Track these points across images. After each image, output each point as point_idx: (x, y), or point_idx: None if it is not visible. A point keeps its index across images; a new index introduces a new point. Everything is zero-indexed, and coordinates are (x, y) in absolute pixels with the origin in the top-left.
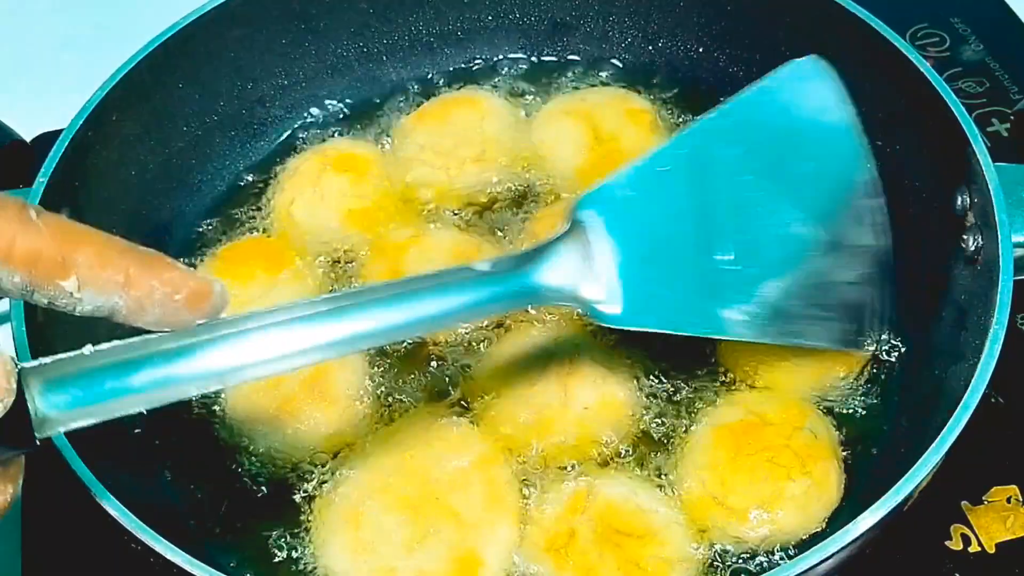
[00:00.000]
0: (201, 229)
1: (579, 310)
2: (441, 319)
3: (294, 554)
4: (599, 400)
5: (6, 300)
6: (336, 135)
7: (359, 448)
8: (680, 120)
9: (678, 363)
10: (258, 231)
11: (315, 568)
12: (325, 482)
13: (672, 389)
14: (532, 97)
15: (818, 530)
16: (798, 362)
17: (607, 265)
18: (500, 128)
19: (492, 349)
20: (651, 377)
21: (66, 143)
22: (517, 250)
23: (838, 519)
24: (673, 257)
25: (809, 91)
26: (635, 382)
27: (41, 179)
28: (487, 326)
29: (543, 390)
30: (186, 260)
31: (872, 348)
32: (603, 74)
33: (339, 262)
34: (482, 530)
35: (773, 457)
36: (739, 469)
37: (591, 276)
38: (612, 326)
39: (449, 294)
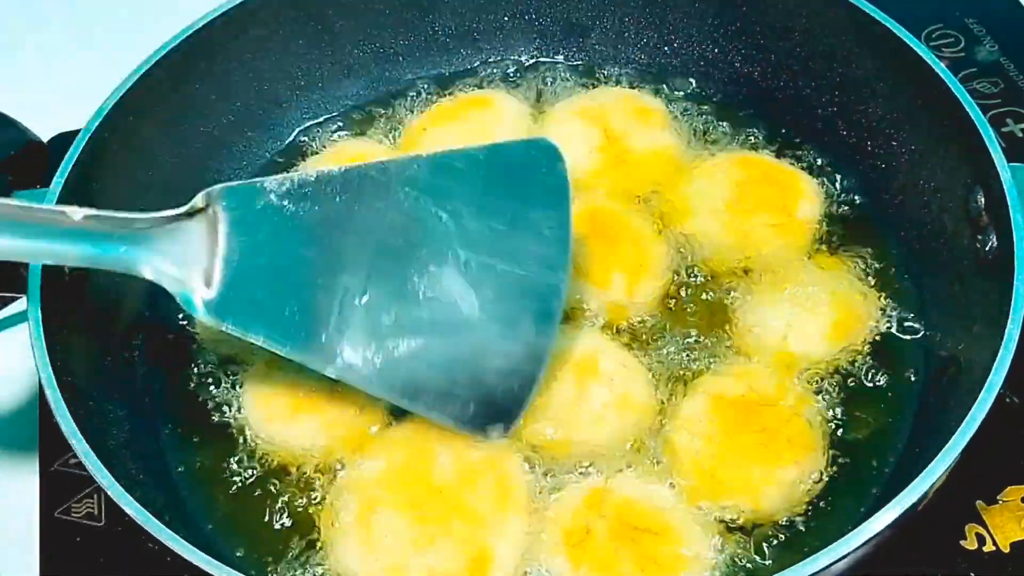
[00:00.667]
0: None
1: (171, 290)
2: (23, 253)
3: (308, 553)
4: (616, 399)
5: (23, 300)
6: (352, 135)
7: (372, 446)
8: (694, 120)
9: (697, 359)
10: None
11: (327, 567)
12: (337, 480)
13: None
14: (547, 97)
15: (798, 514)
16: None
17: (224, 262)
18: (513, 128)
19: None
20: (668, 382)
21: (83, 144)
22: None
23: (853, 519)
24: (301, 278)
25: (534, 169)
26: (653, 383)
27: (58, 179)
28: None
29: (561, 389)
30: None
31: (499, 438)
32: (618, 74)
33: None
34: (494, 527)
35: (767, 441)
36: (734, 446)
37: (201, 266)
38: (199, 317)
39: (39, 236)
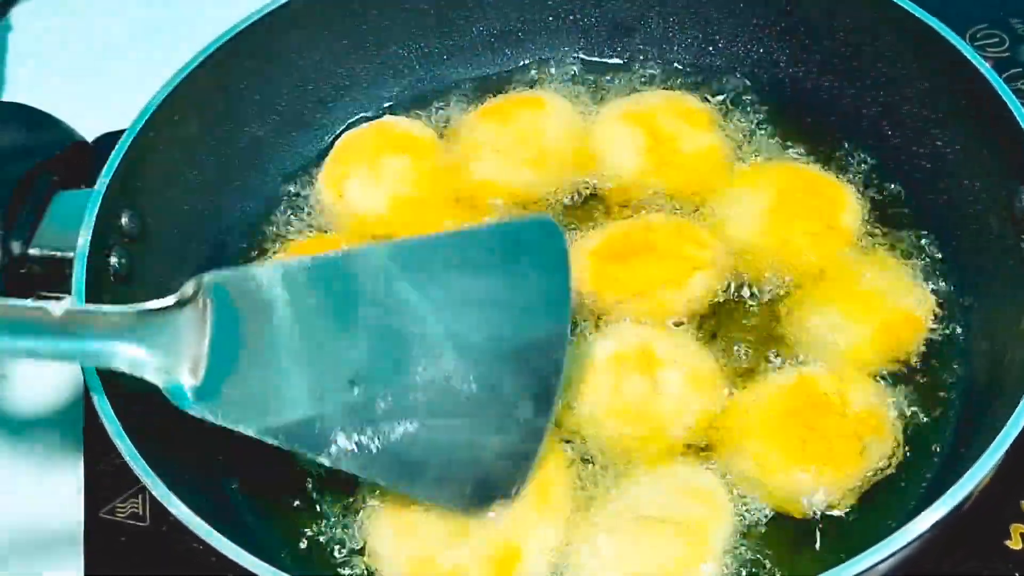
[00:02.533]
0: (262, 228)
1: (156, 381)
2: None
3: (347, 539)
4: (686, 393)
5: (67, 300)
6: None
7: None
8: (739, 120)
9: (750, 361)
10: (316, 230)
11: (362, 551)
12: None
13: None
14: (592, 98)
15: (843, 511)
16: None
17: (212, 352)
18: (561, 129)
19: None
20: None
21: (128, 144)
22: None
23: (898, 518)
24: (294, 367)
25: (531, 250)
26: (717, 369)
27: (103, 180)
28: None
29: (629, 384)
30: (249, 257)
31: (497, 514)
32: (662, 74)
33: None
34: (528, 530)
35: (817, 439)
36: (785, 442)
37: (189, 358)
38: (187, 408)
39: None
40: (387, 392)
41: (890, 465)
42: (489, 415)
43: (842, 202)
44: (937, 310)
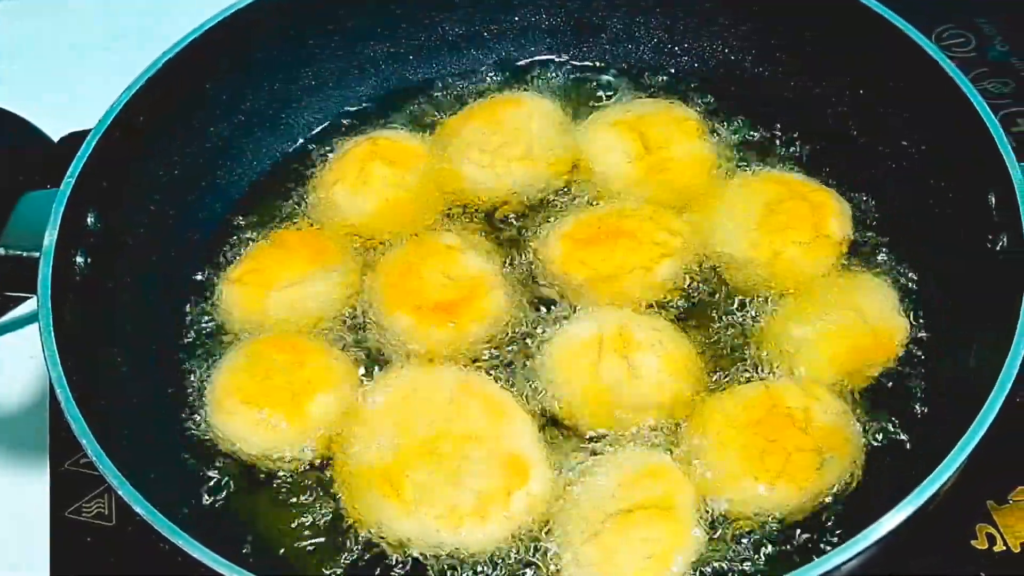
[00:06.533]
0: (228, 228)
1: None
2: None
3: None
4: (660, 379)
5: (33, 300)
6: (360, 135)
7: (360, 422)
8: (705, 119)
9: (719, 367)
10: (287, 225)
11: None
12: (341, 466)
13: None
14: (562, 97)
15: (812, 513)
16: (830, 352)
17: None
18: (545, 128)
19: (548, 337)
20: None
21: (93, 143)
22: None
23: (863, 518)
24: None
25: None
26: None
27: (68, 179)
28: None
29: (604, 366)
30: (215, 257)
31: None
32: (628, 74)
33: (372, 251)
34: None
35: (780, 449)
36: (747, 449)
37: None
38: None
39: None
40: None
41: (853, 478)
42: None
43: (829, 211)
44: (905, 313)
